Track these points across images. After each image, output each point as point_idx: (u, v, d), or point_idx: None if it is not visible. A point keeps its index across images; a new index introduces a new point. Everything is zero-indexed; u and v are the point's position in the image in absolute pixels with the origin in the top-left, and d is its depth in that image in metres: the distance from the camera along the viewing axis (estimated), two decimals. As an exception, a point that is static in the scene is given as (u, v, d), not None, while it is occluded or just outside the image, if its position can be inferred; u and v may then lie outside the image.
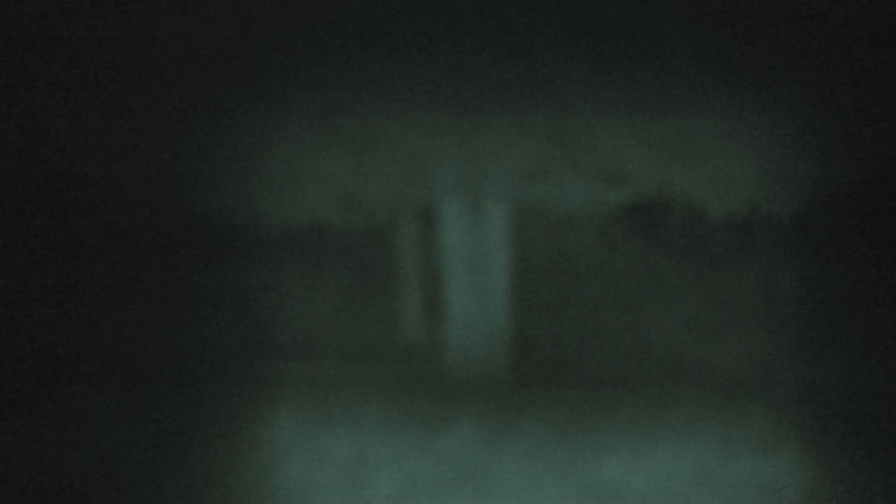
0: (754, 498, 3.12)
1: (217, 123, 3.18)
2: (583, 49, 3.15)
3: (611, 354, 3.15)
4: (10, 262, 3.18)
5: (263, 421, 3.17)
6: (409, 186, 3.17)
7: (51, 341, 3.19)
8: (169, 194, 3.17)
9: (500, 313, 3.16)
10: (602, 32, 3.15)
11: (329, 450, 3.18)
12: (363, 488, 3.16)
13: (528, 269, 3.15)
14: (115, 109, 3.19)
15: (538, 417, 3.15)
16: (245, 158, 3.18)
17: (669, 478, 3.14)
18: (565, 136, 3.16)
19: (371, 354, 3.16)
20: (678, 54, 3.14)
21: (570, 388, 3.15)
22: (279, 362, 3.17)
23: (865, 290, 3.14)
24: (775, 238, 3.13)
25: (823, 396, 3.14)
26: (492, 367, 3.16)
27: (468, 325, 3.17)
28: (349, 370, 3.16)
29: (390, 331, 3.16)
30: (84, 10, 3.18)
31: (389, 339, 3.17)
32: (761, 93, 3.14)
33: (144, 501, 3.17)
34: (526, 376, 3.16)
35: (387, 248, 3.16)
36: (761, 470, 3.13)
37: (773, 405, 3.14)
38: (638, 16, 3.14)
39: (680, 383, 3.14)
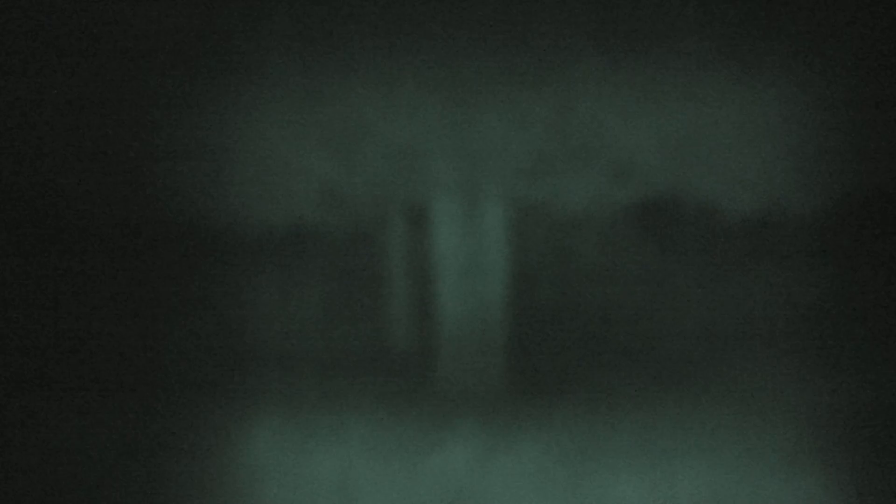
0: (772, 522, 3.21)
1: (186, 117, 3.20)
2: (587, 35, 3.17)
3: (617, 366, 3.17)
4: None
5: (241, 437, 3.20)
6: (397, 184, 3.20)
7: (20, 349, 3.21)
8: (138, 196, 3.20)
9: (496, 321, 3.19)
10: (608, 17, 3.17)
11: (311, 468, 3.20)
12: (348, 511, 3.24)
13: (528, 274, 3.17)
14: (81, 107, 3.20)
15: (537, 434, 3.18)
16: (217, 154, 3.21)
17: (679, 499, 3.17)
18: (568, 129, 3.18)
19: (356, 365, 3.20)
20: (691, 39, 3.16)
21: (572, 402, 3.18)
22: (257, 373, 3.20)
23: (894, 297, 3.15)
24: (797, 241, 3.15)
25: (847, 412, 3.16)
26: (487, 379, 3.20)
27: (462, 333, 3.20)
28: (332, 382, 3.20)
29: (377, 340, 3.20)
30: (49, 6, 3.16)
31: (376, 348, 3.20)
32: (782, 81, 3.16)
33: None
34: (524, 389, 3.19)
35: (373, 251, 3.19)
36: (780, 491, 3.16)
37: (793, 421, 3.16)
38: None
39: (692, 397, 3.16)
